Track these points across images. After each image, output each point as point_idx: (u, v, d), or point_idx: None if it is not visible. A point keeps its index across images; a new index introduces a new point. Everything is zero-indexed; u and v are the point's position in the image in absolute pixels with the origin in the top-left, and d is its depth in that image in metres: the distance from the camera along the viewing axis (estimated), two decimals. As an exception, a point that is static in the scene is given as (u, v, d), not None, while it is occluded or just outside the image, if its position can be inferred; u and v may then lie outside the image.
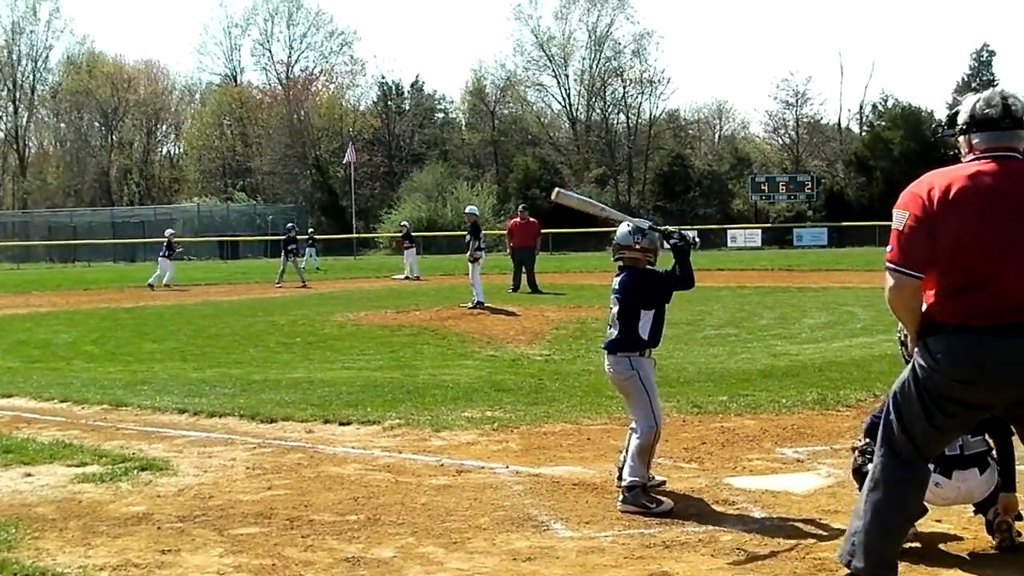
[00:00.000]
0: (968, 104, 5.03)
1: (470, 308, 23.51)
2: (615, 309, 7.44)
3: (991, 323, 4.74)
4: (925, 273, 4.84)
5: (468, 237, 25.42)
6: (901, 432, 5.02)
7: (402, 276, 39.84)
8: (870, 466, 5.22)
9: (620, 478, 7.29)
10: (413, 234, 43.57)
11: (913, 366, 5.01)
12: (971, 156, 4.96)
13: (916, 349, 5.00)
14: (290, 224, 41.92)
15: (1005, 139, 4.90)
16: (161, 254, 39.09)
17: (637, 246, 7.41)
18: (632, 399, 7.38)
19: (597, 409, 10.66)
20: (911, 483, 5.08)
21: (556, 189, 8.44)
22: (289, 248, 38.23)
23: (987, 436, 5.90)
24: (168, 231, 41.50)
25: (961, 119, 5.03)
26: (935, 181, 4.85)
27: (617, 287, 7.46)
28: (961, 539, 6.21)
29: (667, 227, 7.55)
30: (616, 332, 7.40)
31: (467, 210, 28.59)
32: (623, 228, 7.54)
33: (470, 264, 24.65)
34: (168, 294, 34.69)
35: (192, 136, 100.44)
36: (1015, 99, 4.93)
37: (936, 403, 4.91)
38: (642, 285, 7.36)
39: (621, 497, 7.08)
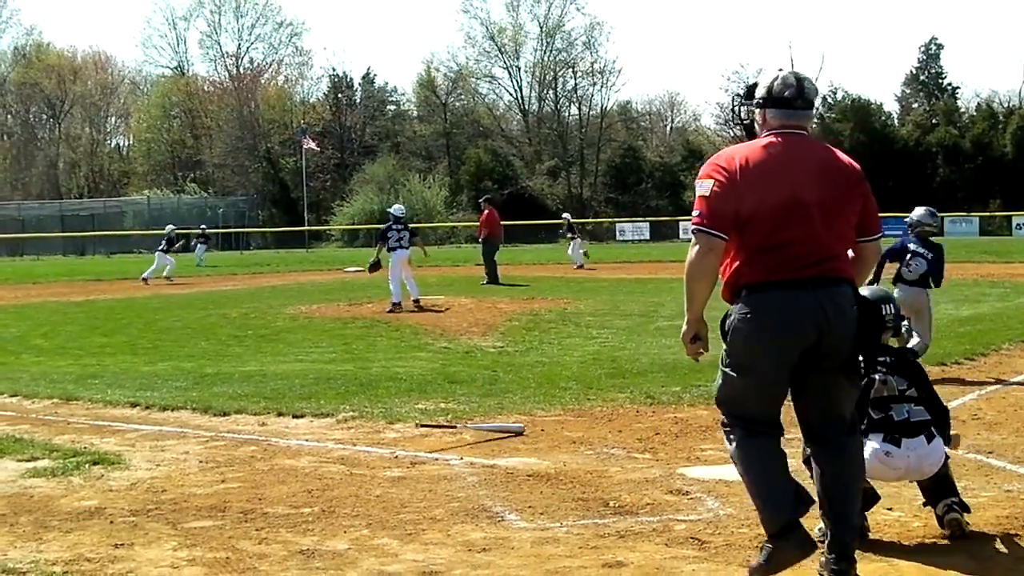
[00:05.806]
0: (766, 80, 5.38)
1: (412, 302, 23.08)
2: None
3: (791, 278, 5.05)
4: (729, 235, 5.11)
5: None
6: (741, 402, 5.24)
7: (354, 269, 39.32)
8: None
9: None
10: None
11: (725, 335, 5.26)
12: (765, 131, 5.33)
13: (730, 315, 5.23)
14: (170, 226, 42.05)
15: (796, 118, 5.31)
16: (160, 248, 38.26)
17: None
18: None
19: (551, 400, 10.70)
20: (773, 446, 5.29)
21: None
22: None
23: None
24: (169, 226, 41.48)
25: (759, 93, 5.39)
26: (734, 154, 5.24)
27: None
28: (912, 527, 6.27)
29: None
30: None
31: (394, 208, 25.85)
32: None
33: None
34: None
35: (140, 129, 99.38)
36: (810, 81, 5.36)
37: (753, 358, 5.14)
38: None
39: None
